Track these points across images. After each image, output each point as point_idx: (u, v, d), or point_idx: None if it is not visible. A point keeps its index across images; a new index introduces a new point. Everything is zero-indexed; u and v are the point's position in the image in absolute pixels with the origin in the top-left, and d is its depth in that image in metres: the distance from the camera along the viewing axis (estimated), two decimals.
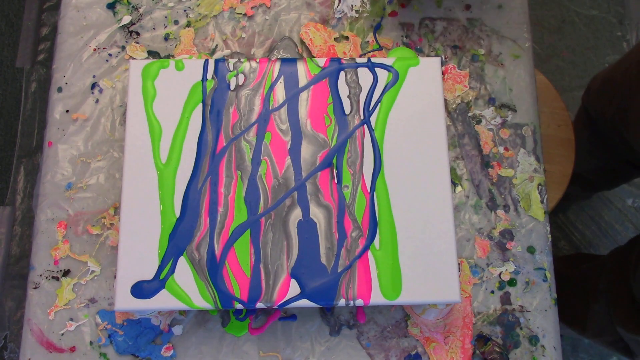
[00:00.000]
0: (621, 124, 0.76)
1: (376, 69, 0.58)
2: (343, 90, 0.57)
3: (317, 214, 0.54)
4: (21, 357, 0.57)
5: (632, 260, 0.74)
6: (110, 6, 0.66)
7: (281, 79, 0.58)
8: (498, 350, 0.57)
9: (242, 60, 0.58)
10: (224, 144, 0.56)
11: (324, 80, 0.58)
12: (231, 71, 0.58)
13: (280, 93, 0.57)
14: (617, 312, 0.77)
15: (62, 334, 0.57)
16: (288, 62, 0.58)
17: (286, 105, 0.57)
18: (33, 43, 1.35)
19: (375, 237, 0.53)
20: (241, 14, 0.66)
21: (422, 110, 0.57)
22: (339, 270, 0.52)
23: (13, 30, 1.36)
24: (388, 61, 0.58)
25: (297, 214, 0.54)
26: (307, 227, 0.54)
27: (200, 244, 0.53)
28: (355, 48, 0.65)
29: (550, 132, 0.85)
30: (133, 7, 0.66)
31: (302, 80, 0.58)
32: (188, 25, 0.65)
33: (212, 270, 0.52)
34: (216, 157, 0.55)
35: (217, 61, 0.58)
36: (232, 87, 0.57)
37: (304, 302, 0.52)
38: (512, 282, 0.59)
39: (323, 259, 0.53)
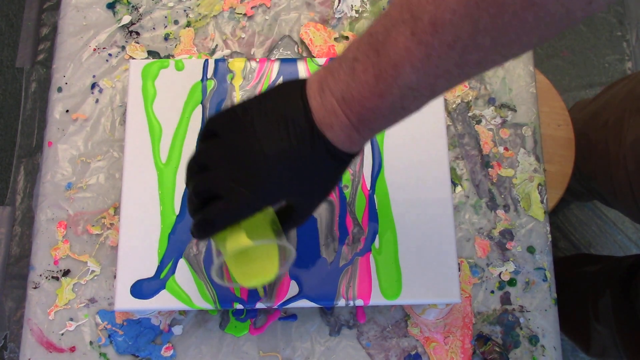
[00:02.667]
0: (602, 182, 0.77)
1: None
2: None
3: (319, 209, 0.54)
4: (21, 357, 0.57)
5: (639, 294, 0.74)
6: (110, 6, 0.66)
7: (279, 79, 0.58)
8: (498, 350, 0.57)
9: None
10: None
11: None
12: (231, 71, 0.58)
13: None
14: (624, 342, 0.78)
15: (62, 334, 0.57)
16: (288, 62, 0.58)
17: None
18: (33, 43, 1.35)
19: (375, 237, 0.53)
20: (241, 14, 0.66)
21: (422, 110, 0.57)
22: (340, 265, 0.52)
23: (13, 30, 1.36)
24: None
25: None
26: (308, 224, 0.54)
27: (199, 241, 0.53)
28: None
29: (550, 132, 0.85)
30: (133, 7, 0.66)
31: None
32: (188, 25, 0.65)
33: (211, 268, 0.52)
34: None
35: (217, 61, 0.58)
36: (231, 87, 0.57)
37: (304, 302, 0.52)
38: (512, 282, 0.59)
39: (323, 253, 0.53)
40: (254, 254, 0.43)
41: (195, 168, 0.39)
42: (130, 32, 0.65)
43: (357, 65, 0.34)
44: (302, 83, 0.37)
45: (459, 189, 0.62)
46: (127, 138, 0.55)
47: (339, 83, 0.35)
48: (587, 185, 0.86)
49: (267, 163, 0.37)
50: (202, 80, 0.57)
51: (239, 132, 0.37)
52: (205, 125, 0.40)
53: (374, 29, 0.33)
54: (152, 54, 0.65)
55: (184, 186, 0.54)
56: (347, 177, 0.55)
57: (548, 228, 0.61)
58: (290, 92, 0.37)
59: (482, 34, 0.29)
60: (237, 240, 0.40)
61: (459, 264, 0.59)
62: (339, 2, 0.66)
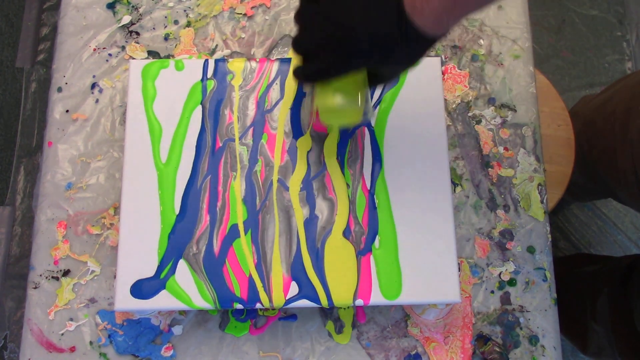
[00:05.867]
0: (606, 171, 0.77)
1: None
2: None
3: (321, 207, 0.54)
4: (21, 357, 0.57)
5: (635, 294, 0.74)
6: (110, 6, 0.66)
7: (278, 80, 0.58)
8: (498, 350, 0.57)
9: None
10: (220, 144, 0.56)
11: None
12: (230, 72, 0.58)
13: (278, 94, 0.57)
14: (619, 342, 0.78)
15: (62, 334, 0.57)
16: (287, 62, 0.58)
17: (284, 106, 0.57)
18: (33, 43, 1.35)
19: (376, 237, 0.53)
20: (241, 14, 0.66)
21: (422, 110, 0.57)
22: None
23: (13, 30, 1.36)
24: None
25: (303, 212, 0.54)
26: (310, 223, 0.54)
27: (199, 240, 0.53)
28: None
29: (550, 132, 0.85)
30: (133, 7, 0.66)
31: None
32: (188, 25, 0.65)
33: (210, 267, 0.52)
34: (215, 157, 0.55)
35: (217, 61, 0.58)
36: (231, 87, 0.57)
37: (304, 302, 0.52)
38: (512, 282, 0.59)
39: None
40: (339, 103, 0.48)
41: (298, 23, 0.45)
42: (130, 32, 0.65)
43: None
44: None
45: (459, 189, 0.62)
46: (127, 138, 0.55)
47: None
48: (592, 175, 0.86)
49: (356, 38, 0.41)
50: (202, 80, 0.57)
51: (336, 4, 0.42)
52: None
53: None
54: (152, 54, 0.65)
55: (183, 186, 0.54)
56: (347, 177, 0.55)
57: (548, 228, 0.61)
58: None
59: None
60: (324, 99, 0.48)
61: (459, 264, 0.59)
62: None
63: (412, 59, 0.44)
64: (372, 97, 0.58)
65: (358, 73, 0.47)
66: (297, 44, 0.45)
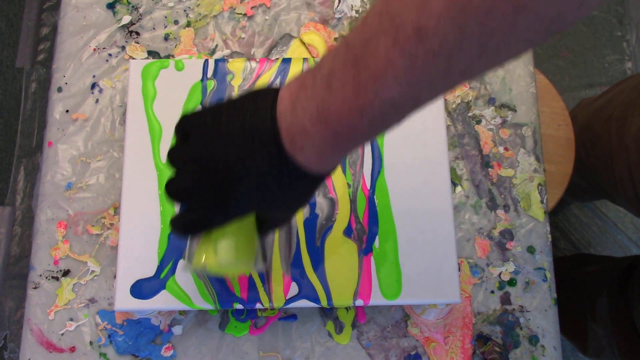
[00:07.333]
0: (605, 176, 0.77)
1: None
2: None
3: (322, 206, 0.54)
4: (21, 357, 0.57)
5: (634, 294, 0.74)
6: (110, 6, 0.66)
7: (278, 80, 0.58)
8: (498, 350, 0.57)
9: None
10: None
11: None
12: (230, 72, 0.58)
13: None
14: (619, 343, 0.78)
15: (62, 334, 0.57)
16: (287, 62, 0.58)
17: None
18: (33, 43, 1.35)
19: (376, 237, 0.53)
20: (241, 14, 0.66)
21: (422, 110, 0.57)
22: None
23: (13, 30, 1.36)
24: None
25: (303, 212, 0.54)
26: (309, 222, 0.54)
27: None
28: None
29: (550, 132, 0.85)
30: (133, 7, 0.66)
31: None
32: (188, 25, 0.65)
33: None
34: None
35: (217, 61, 0.58)
36: (230, 87, 0.57)
37: (304, 302, 0.52)
38: (512, 282, 0.59)
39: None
40: (224, 258, 0.42)
41: (170, 165, 0.39)
42: (130, 32, 0.65)
43: (334, 80, 0.31)
44: (274, 95, 0.35)
45: (459, 189, 0.62)
46: (127, 138, 0.55)
47: (313, 99, 0.32)
48: (589, 179, 0.86)
49: (233, 179, 0.36)
50: (202, 80, 0.57)
51: (209, 141, 0.36)
52: (179, 122, 0.39)
53: (350, 39, 0.30)
54: (152, 54, 0.65)
55: None
56: (348, 176, 0.55)
57: (548, 228, 0.61)
58: (260, 107, 0.35)
59: (468, 40, 0.27)
60: (203, 257, 0.40)
61: (459, 264, 0.59)
62: (339, 2, 0.66)
63: (300, 200, 0.39)
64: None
65: (244, 221, 0.41)
66: (170, 188, 0.38)
